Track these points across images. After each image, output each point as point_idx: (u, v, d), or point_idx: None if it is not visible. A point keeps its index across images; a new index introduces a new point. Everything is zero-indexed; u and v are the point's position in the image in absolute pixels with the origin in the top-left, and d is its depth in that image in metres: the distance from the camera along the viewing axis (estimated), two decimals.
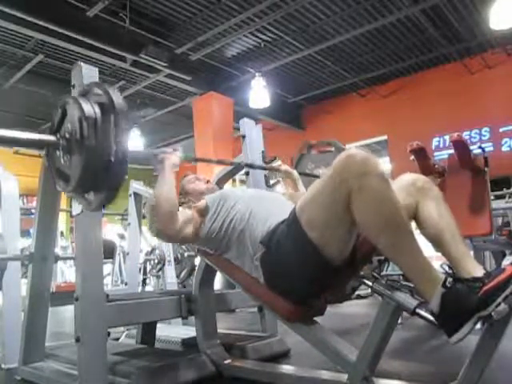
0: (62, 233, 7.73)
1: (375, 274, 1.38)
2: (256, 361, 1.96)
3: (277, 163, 2.17)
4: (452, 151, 2.70)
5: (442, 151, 6.65)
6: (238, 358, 2.00)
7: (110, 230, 7.99)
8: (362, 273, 1.40)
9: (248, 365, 1.90)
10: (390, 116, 7.37)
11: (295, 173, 2.08)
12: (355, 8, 5.23)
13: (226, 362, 1.93)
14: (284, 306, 1.40)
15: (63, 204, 3.39)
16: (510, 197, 4.02)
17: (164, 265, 3.94)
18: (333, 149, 2.75)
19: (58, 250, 4.89)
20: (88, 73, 1.63)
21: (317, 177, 2.33)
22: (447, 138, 6.38)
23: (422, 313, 1.17)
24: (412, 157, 2.69)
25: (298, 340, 1.49)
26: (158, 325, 2.42)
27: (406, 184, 1.34)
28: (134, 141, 7.87)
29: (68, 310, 3.73)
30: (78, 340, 1.52)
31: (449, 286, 1.08)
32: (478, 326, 1.07)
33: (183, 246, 4.96)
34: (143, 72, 6.32)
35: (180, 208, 1.65)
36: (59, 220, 2.32)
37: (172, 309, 2.00)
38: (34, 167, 2.86)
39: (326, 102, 8.10)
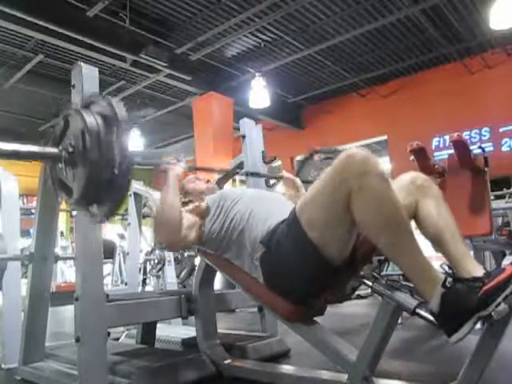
0: (62, 233, 7.73)
1: (375, 274, 1.38)
2: (256, 361, 1.97)
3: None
4: (452, 151, 2.69)
5: (442, 151, 6.65)
6: (237, 357, 2.00)
7: (110, 230, 7.98)
8: (362, 273, 1.40)
9: (248, 365, 1.90)
10: (390, 116, 7.37)
11: (298, 180, 2.05)
12: (355, 8, 5.23)
13: (226, 361, 1.93)
14: (284, 306, 1.40)
15: (63, 204, 3.39)
16: (510, 197, 4.02)
17: (164, 265, 3.94)
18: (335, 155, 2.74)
19: (57, 250, 4.89)
20: (88, 73, 1.63)
21: None
22: (447, 138, 6.38)
23: (422, 313, 1.17)
24: (412, 157, 2.69)
25: (298, 340, 1.49)
26: (158, 325, 2.42)
27: (405, 183, 1.34)
28: (134, 141, 7.87)
29: (68, 310, 3.73)
30: (77, 340, 1.53)
31: (449, 285, 1.08)
32: (478, 325, 1.07)
33: None
34: (143, 72, 6.32)
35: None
36: (59, 220, 2.32)
37: (172, 309, 2.00)
38: (34, 167, 2.86)
39: (325, 102, 8.10)
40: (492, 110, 6.37)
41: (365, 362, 1.27)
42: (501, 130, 6.47)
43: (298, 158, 8.69)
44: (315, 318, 1.44)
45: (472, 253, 2.59)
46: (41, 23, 4.81)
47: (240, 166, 2.49)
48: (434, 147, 6.83)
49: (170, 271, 3.78)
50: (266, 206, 1.58)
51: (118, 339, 2.58)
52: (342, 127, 7.75)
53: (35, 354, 2.02)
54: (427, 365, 2.00)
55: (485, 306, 1.03)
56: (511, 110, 6.12)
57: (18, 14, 4.65)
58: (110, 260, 5.78)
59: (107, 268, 5.92)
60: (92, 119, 0.97)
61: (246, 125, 2.52)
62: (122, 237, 6.71)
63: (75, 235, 1.71)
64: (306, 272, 1.31)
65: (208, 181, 1.98)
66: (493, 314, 1.03)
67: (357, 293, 4.34)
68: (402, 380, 1.63)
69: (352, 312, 3.89)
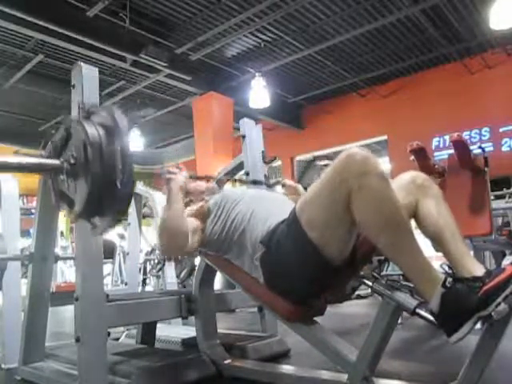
0: (62, 233, 7.72)
1: (375, 274, 1.38)
2: (256, 361, 1.96)
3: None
4: (452, 151, 2.69)
5: (442, 151, 6.65)
6: (238, 357, 2.00)
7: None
8: (362, 273, 1.40)
9: (248, 365, 1.90)
10: (390, 116, 7.37)
11: (300, 187, 2.01)
12: (355, 8, 5.23)
13: (226, 361, 1.93)
14: (284, 306, 1.40)
15: None
16: (510, 197, 4.02)
17: (164, 265, 3.93)
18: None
19: (57, 250, 4.89)
20: (88, 73, 1.63)
21: None
22: (447, 138, 6.38)
23: (422, 313, 1.17)
24: (412, 157, 2.69)
25: (297, 340, 1.49)
26: (158, 325, 2.42)
27: (405, 182, 1.34)
28: (134, 141, 7.87)
29: (68, 310, 3.72)
30: (77, 340, 1.53)
31: (448, 285, 1.08)
32: (478, 325, 1.07)
33: None
34: (143, 72, 6.32)
35: None
36: (59, 220, 2.32)
37: (172, 309, 2.00)
38: None
39: (325, 102, 8.10)
40: (492, 110, 6.37)
41: (365, 362, 1.27)
42: (501, 130, 6.47)
43: (298, 158, 8.71)
44: (315, 318, 1.44)
45: (472, 253, 2.59)
46: (41, 23, 4.82)
47: (240, 165, 2.49)
48: (434, 147, 6.83)
49: (170, 271, 3.77)
50: (266, 205, 1.58)
51: (118, 339, 2.58)
52: (342, 127, 7.75)
53: (35, 354, 2.02)
54: (427, 365, 2.00)
55: (485, 305, 1.03)
56: (511, 110, 6.12)
57: (18, 14, 4.65)
58: (110, 260, 5.78)
59: (107, 268, 5.92)
60: (93, 130, 0.96)
61: (246, 125, 2.52)
62: (122, 237, 6.71)
63: (75, 235, 1.71)
64: (306, 272, 1.31)
65: (208, 180, 1.97)
66: (493, 313, 1.03)
67: (357, 293, 4.34)
68: (402, 380, 1.63)
69: (352, 312, 3.89)
